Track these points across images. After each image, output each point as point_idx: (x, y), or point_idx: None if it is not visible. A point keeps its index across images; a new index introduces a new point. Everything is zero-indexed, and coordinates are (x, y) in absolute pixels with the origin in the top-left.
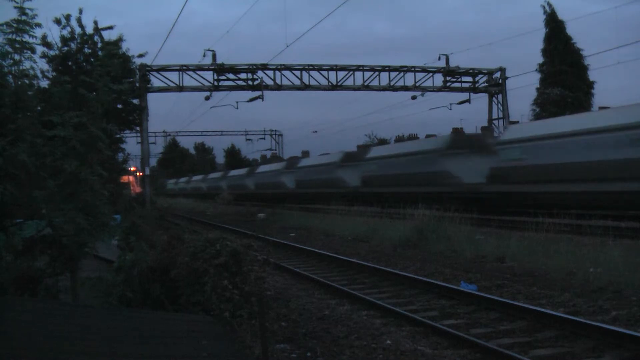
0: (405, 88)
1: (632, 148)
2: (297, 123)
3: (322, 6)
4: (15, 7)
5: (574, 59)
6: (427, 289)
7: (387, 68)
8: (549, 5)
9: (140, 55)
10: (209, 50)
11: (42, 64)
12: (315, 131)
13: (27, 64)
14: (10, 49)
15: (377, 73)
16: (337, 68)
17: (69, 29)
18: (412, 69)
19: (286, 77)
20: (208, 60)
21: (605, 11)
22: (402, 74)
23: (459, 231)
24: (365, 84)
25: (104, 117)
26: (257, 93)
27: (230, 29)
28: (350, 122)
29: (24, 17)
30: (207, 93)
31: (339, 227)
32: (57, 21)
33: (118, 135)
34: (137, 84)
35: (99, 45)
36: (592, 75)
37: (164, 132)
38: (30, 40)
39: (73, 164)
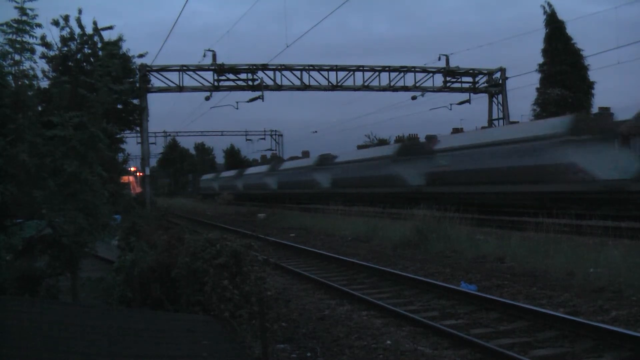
0: (405, 88)
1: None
2: (297, 123)
3: (322, 6)
4: (15, 8)
5: (574, 59)
6: (427, 289)
7: (387, 68)
8: (549, 5)
9: (141, 56)
10: (209, 50)
11: (43, 64)
12: (315, 131)
13: (27, 64)
14: (10, 49)
15: (377, 73)
16: (337, 68)
17: (68, 29)
18: (412, 69)
19: (286, 77)
20: (208, 61)
21: (605, 11)
22: (402, 74)
23: (458, 231)
24: (365, 84)
25: (104, 117)
26: (257, 93)
27: (230, 29)
28: (350, 122)
29: (24, 18)
30: (207, 93)
31: (339, 227)
32: (56, 22)
33: (118, 136)
34: (137, 84)
35: (99, 45)
36: (592, 76)
37: (164, 132)
38: (31, 40)
39: (73, 164)
